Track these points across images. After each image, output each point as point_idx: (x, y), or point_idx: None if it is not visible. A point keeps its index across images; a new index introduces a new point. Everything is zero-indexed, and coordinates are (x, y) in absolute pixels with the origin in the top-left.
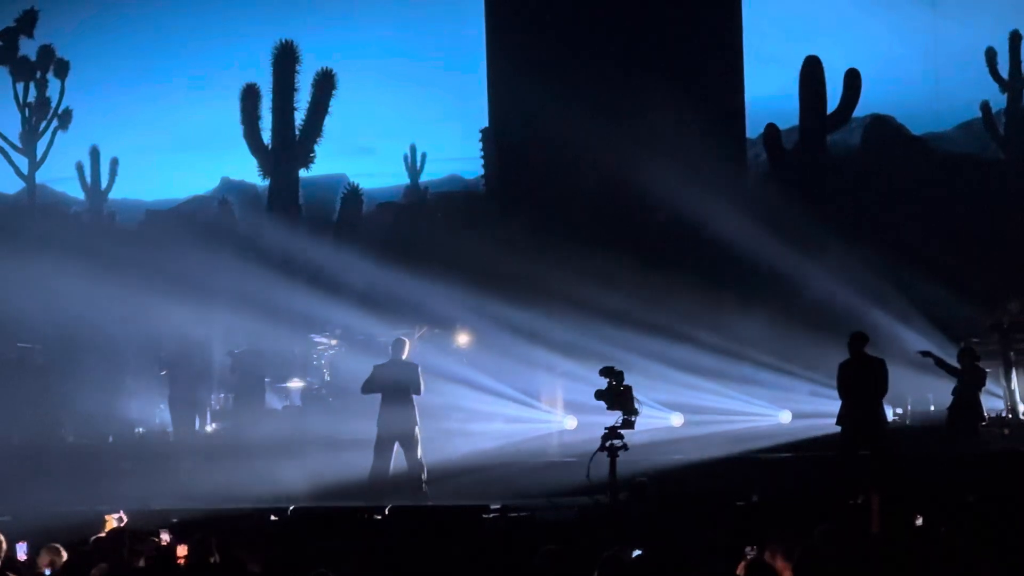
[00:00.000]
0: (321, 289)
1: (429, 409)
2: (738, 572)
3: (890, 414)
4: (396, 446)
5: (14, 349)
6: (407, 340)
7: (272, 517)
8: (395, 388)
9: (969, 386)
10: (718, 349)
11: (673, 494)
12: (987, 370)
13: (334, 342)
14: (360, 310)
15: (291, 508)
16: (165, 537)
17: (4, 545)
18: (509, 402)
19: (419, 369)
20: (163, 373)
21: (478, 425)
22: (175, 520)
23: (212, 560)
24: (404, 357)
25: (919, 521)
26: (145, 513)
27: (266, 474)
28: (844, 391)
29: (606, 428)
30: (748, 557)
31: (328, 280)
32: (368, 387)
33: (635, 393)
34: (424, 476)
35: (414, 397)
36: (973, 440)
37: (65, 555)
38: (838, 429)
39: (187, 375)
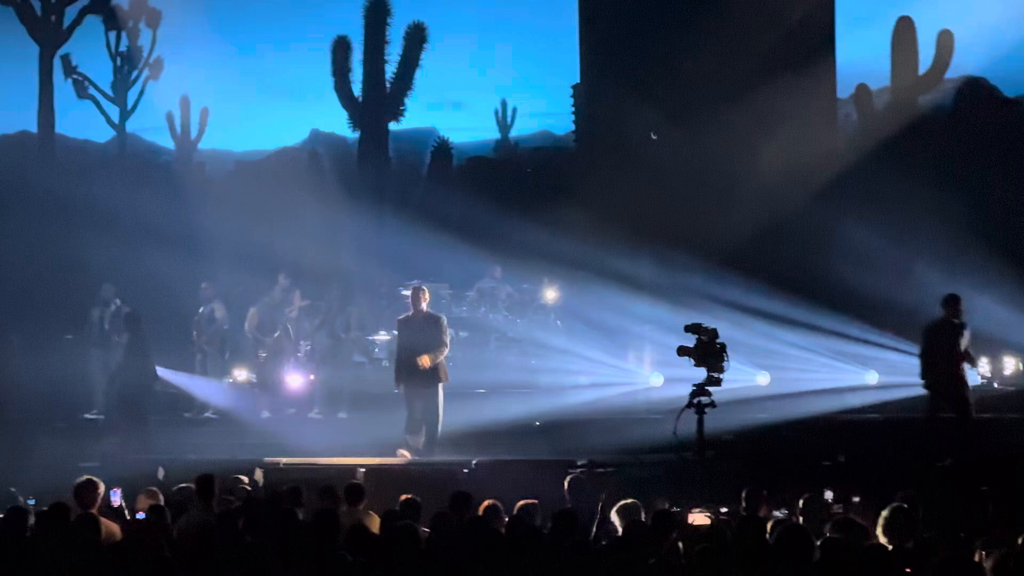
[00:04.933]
0: (409, 242)
1: (514, 367)
2: (826, 532)
3: (976, 378)
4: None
5: (113, 302)
6: (426, 288)
7: (360, 469)
8: (421, 343)
9: None
10: (808, 308)
11: (759, 452)
12: None
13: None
14: (449, 263)
15: (367, 464)
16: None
17: (101, 490)
18: (596, 354)
19: (444, 322)
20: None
21: (565, 381)
22: (261, 469)
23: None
24: (424, 307)
25: None
26: (232, 462)
27: (347, 426)
28: (928, 353)
29: (694, 385)
30: (835, 516)
31: (417, 232)
32: (400, 350)
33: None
34: (437, 435)
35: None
36: None
37: (162, 498)
38: (924, 392)
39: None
